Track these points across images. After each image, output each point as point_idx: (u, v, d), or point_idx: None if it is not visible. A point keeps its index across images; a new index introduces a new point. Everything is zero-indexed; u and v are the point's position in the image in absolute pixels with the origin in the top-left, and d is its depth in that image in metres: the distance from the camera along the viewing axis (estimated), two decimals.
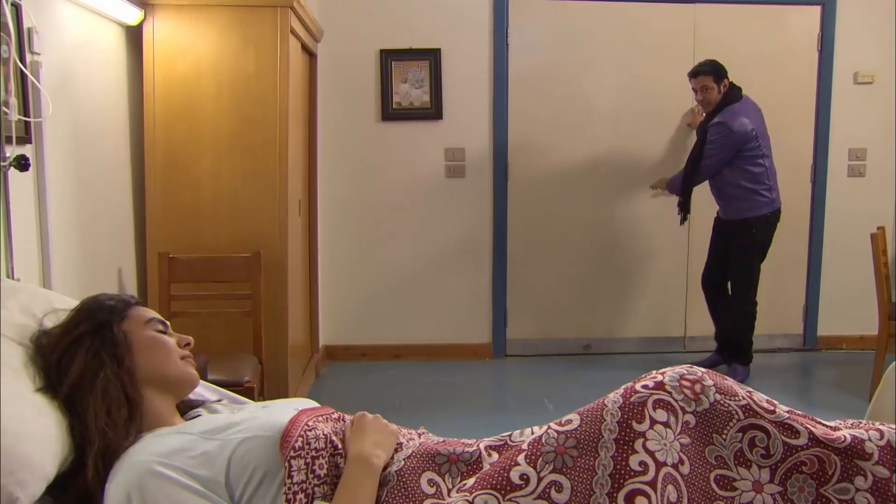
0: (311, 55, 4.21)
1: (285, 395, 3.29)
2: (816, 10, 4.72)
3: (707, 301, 4.48)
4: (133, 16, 3.03)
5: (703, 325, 4.90)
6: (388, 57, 4.53)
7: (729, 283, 4.35)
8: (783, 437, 1.36)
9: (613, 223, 4.74)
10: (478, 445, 1.46)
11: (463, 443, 1.47)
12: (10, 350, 1.42)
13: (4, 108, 1.97)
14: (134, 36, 3.16)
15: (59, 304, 1.63)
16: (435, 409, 3.93)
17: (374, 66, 4.55)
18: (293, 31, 3.33)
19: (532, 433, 1.43)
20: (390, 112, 4.58)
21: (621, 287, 4.85)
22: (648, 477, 1.28)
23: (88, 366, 1.41)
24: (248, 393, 2.67)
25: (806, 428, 1.37)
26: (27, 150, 2.26)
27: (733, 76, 4.84)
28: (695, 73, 4.15)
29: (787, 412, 1.40)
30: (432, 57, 4.54)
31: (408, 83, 4.55)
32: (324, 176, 4.51)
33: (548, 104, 4.71)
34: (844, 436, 1.36)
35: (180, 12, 3.15)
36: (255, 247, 3.14)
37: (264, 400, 2.73)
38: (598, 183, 4.77)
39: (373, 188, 4.65)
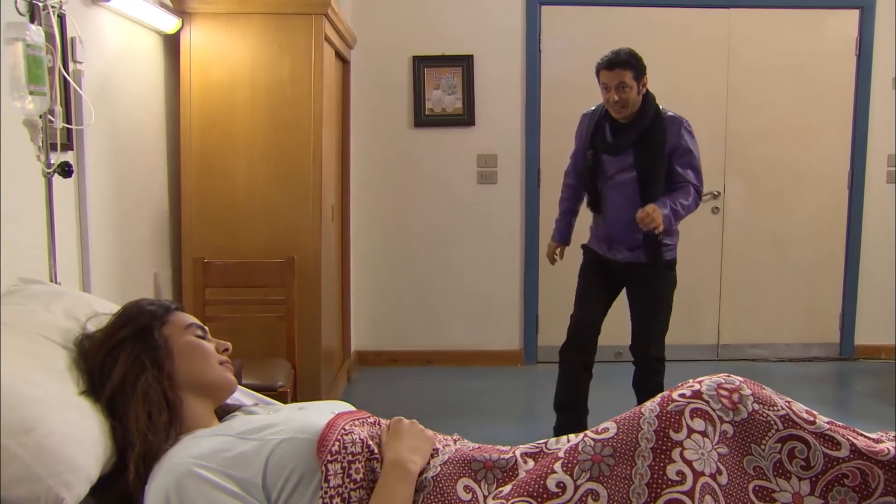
0: (344, 62, 4.24)
1: (318, 400, 3.31)
2: (854, 14, 4.65)
3: (569, 368, 3.47)
4: (171, 24, 3.08)
5: (736, 332, 4.86)
6: (421, 63, 4.55)
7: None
8: (824, 448, 1.35)
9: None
10: (514, 452, 1.45)
11: (498, 449, 1.47)
12: (55, 354, 1.45)
13: (50, 117, 2.01)
14: (171, 44, 3.20)
15: (101, 308, 1.67)
16: (466, 416, 3.93)
17: (406, 72, 4.57)
18: (327, 38, 3.36)
19: (568, 441, 1.43)
20: (423, 118, 4.59)
21: None
22: (686, 487, 1.27)
23: (130, 370, 1.43)
24: (282, 397, 2.69)
25: (847, 440, 1.35)
26: (69, 156, 2.30)
27: (769, 82, 4.78)
28: (610, 65, 3.12)
29: (828, 423, 1.38)
30: (465, 63, 4.55)
31: (440, 89, 4.57)
32: (356, 182, 4.54)
33: (580, 110, 4.66)
34: (888, 448, 1.34)
35: (216, 20, 3.19)
36: (289, 252, 3.16)
37: None
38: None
39: (405, 194, 4.67)
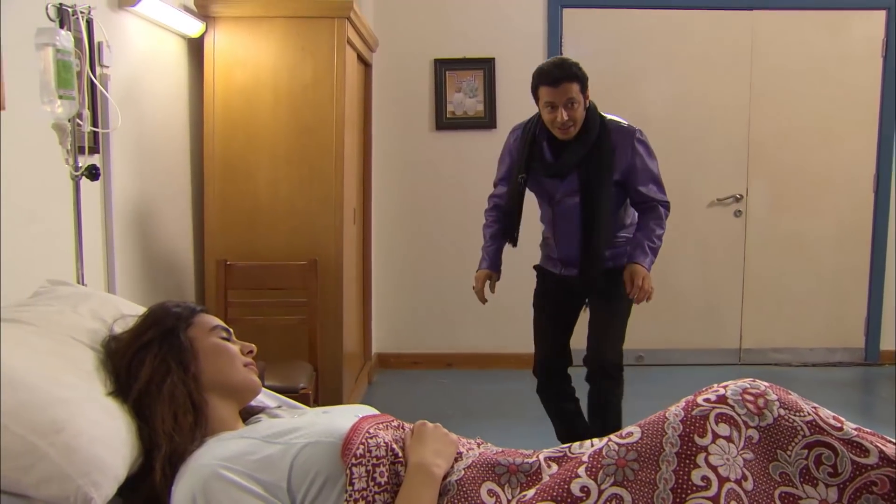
0: (366, 65, 4.26)
1: (339, 403, 3.32)
2: (881, 14, 4.60)
3: (553, 404, 3.16)
4: (195, 28, 3.11)
5: (759, 337, 4.81)
6: (443, 66, 4.56)
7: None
8: (852, 455, 1.33)
9: (666, 232, 4.69)
10: (537, 456, 1.45)
11: (522, 453, 1.47)
12: (83, 355, 1.47)
13: (78, 120, 2.04)
14: (195, 47, 3.23)
15: (127, 310, 1.69)
16: (487, 418, 3.92)
17: (428, 75, 4.58)
18: (349, 42, 3.37)
19: (592, 445, 1.42)
20: (444, 121, 4.60)
21: (675, 297, 4.78)
22: (711, 492, 1.26)
23: (156, 371, 1.44)
24: (304, 399, 2.70)
25: (876, 446, 1.33)
26: (95, 159, 2.33)
27: (794, 85, 4.72)
28: (554, 80, 2.66)
29: (856, 429, 1.37)
30: (486, 66, 4.55)
31: (462, 92, 4.57)
32: (378, 185, 4.55)
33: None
34: None
35: (240, 24, 3.22)
36: (311, 255, 3.18)
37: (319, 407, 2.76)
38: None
39: (426, 197, 4.67)
